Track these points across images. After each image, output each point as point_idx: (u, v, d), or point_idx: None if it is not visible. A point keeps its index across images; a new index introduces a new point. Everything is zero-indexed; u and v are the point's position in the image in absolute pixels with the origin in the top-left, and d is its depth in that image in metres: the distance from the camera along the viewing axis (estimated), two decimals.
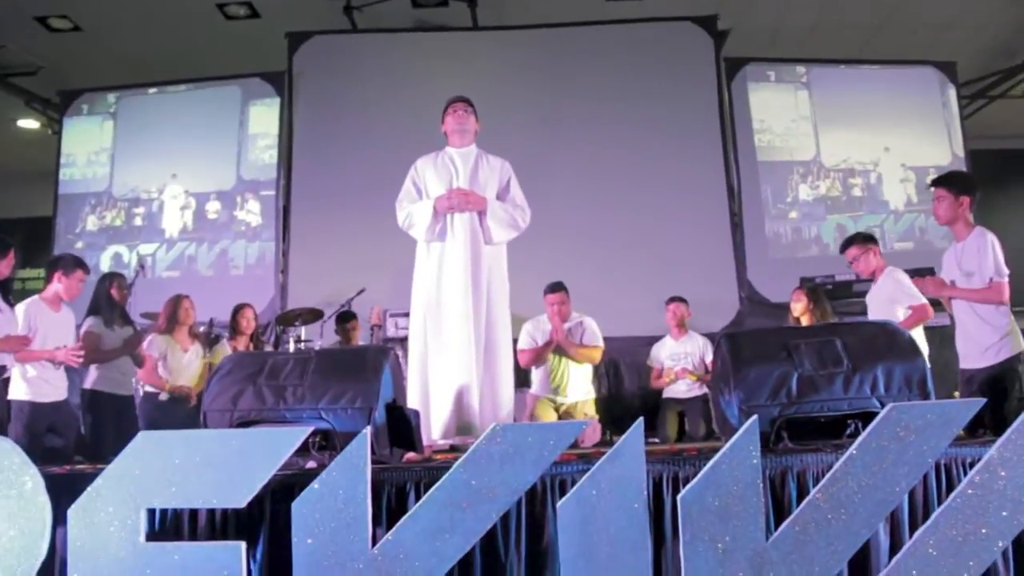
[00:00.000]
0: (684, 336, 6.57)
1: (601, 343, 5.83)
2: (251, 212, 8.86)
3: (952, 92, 9.03)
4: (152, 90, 9.38)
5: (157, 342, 5.56)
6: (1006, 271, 4.02)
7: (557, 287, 5.76)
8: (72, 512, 2.36)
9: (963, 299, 4.15)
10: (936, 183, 4.36)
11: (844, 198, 8.74)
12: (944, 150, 8.82)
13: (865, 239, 5.32)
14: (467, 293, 4.02)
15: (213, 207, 8.93)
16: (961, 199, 4.18)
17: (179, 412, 5.41)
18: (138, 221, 9.01)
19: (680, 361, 6.51)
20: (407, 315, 4.57)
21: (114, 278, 5.50)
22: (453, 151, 4.28)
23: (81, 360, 4.87)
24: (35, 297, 4.92)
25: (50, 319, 4.84)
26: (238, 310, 6.30)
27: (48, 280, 5.01)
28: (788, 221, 8.63)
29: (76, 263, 5.07)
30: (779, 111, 8.92)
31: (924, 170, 8.54)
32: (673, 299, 6.60)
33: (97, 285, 5.43)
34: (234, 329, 6.25)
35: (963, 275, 4.13)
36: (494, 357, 4.08)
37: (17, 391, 4.69)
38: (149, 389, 5.60)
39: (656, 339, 6.73)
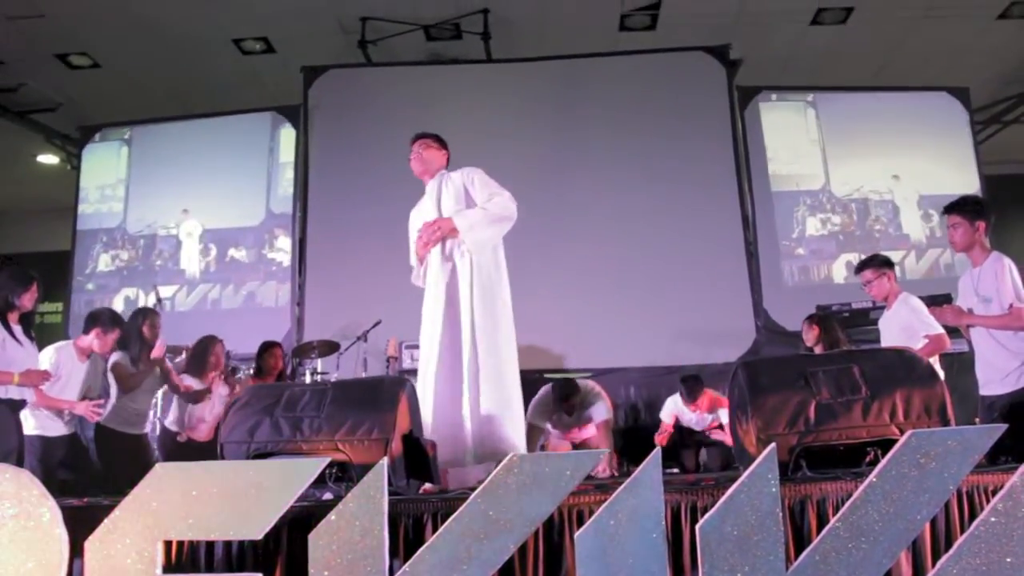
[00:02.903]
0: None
1: (610, 414, 5.97)
2: (281, 251, 8.87)
3: (966, 118, 9.01)
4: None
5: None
6: None
7: (571, 394, 5.81)
8: (89, 544, 2.36)
9: (983, 326, 4.10)
10: (949, 209, 4.30)
11: (858, 233, 8.71)
12: (959, 177, 8.74)
13: (882, 263, 5.22)
14: (441, 327, 4.00)
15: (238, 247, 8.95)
16: (977, 224, 4.15)
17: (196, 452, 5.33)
18: (158, 261, 8.96)
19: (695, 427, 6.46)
20: None
21: (147, 315, 5.40)
22: (427, 187, 4.39)
23: (100, 416, 4.92)
24: (68, 342, 5.04)
25: (76, 367, 4.95)
26: (266, 349, 6.09)
27: (85, 331, 5.06)
28: (807, 241, 8.62)
29: (114, 321, 5.10)
30: (790, 138, 8.91)
31: (941, 199, 8.47)
32: (703, 389, 6.34)
33: (129, 320, 5.35)
34: (260, 368, 6.06)
35: (980, 301, 4.09)
36: (498, 384, 3.98)
37: (27, 426, 4.71)
38: (170, 427, 5.54)
39: (672, 369, 6.66)
